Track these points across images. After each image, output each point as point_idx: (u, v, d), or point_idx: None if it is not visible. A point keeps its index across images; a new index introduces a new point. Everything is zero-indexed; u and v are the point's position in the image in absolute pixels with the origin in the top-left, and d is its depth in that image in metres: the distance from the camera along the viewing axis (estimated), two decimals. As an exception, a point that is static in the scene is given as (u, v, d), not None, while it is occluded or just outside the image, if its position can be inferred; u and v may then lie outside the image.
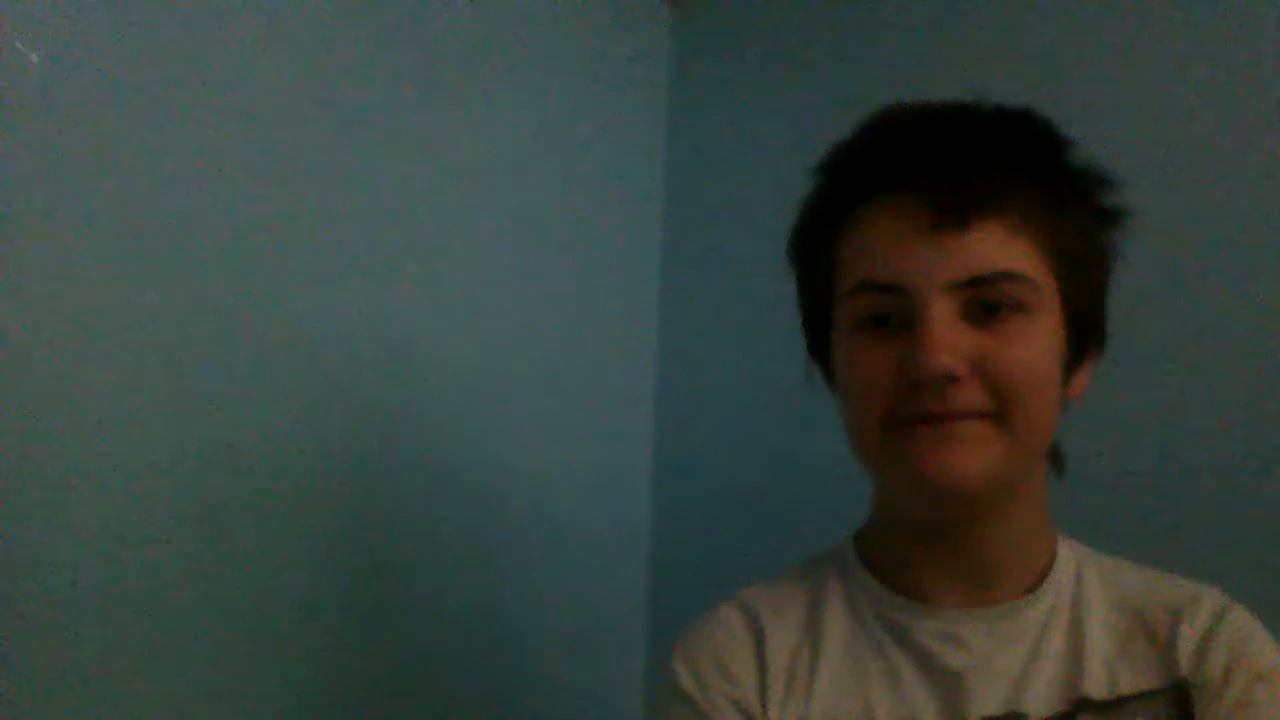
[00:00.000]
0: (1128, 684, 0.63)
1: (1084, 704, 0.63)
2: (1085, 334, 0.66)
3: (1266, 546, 0.95)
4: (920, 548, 0.68)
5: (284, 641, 1.06)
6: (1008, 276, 0.61)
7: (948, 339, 0.60)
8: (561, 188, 1.41)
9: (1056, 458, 0.70)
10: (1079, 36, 1.14)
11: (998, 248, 0.61)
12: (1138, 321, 0.97)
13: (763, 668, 0.68)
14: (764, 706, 0.67)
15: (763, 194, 1.40)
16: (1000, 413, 0.61)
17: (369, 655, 1.14)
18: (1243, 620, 0.65)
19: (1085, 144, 0.67)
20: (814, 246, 0.69)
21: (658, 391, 1.53)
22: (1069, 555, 0.69)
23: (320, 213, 1.13)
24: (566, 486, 1.37)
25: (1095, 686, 0.63)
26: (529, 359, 1.34)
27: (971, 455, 0.61)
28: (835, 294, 0.67)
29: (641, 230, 1.54)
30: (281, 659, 1.06)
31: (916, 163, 0.62)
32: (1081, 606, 0.66)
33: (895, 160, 0.63)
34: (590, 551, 1.40)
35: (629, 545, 1.47)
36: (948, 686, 0.65)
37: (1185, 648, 0.64)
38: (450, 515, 1.23)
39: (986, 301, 0.61)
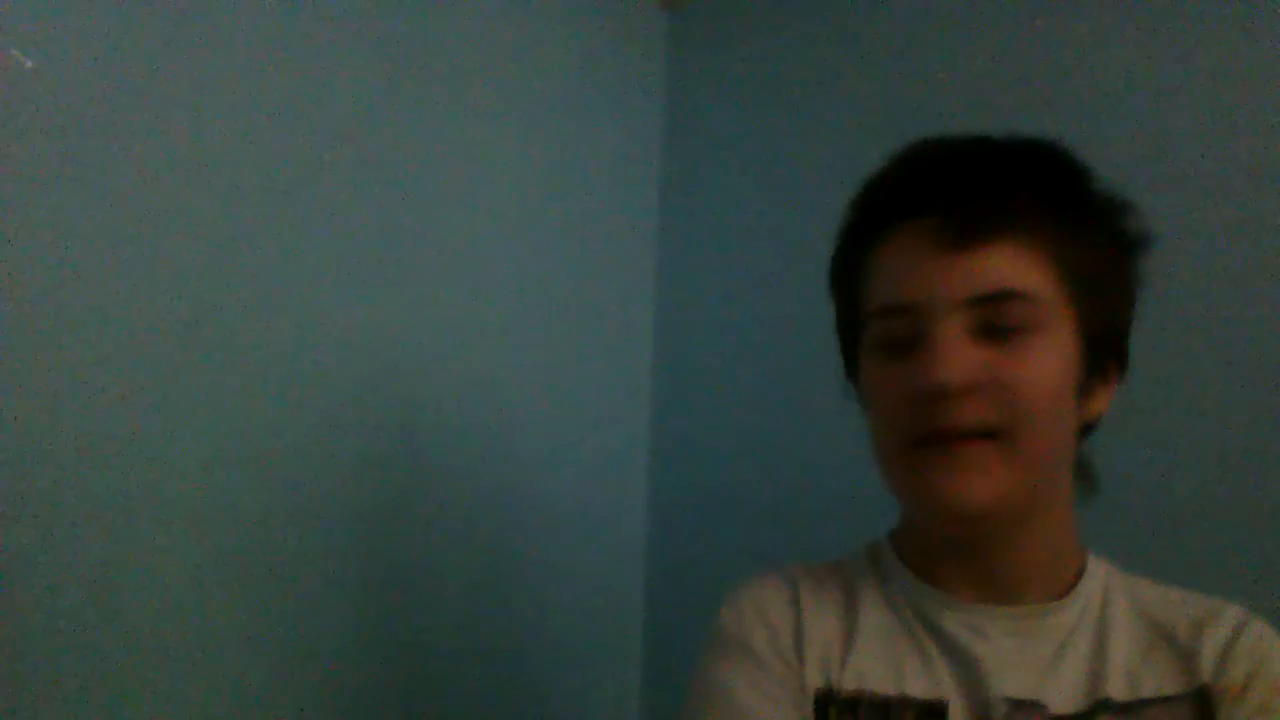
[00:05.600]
0: (1150, 688, 0.65)
1: (1104, 704, 0.64)
2: (1103, 357, 0.67)
3: (1267, 548, 0.95)
4: (947, 558, 0.70)
5: (290, 643, 1.07)
6: (1015, 294, 0.62)
7: (953, 353, 0.61)
8: (559, 193, 1.41)
9: (1087, 477, 0.71)
10: (1077, 52, 1.14)
11: (1006, 266, 0.62)
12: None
13: (799, 631, 0.70)
14: (801, 661, 0.69)
15: (759, 195, 1.41)
16: (1007, 431, 0.62)
17: (368, 659, 1.13)
18: (1264, 632, 0.66)
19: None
20: (843, 275, 0.72)
21: (654, 397, 1.53)
22: (1097, 571, 0.70)
23: (320, 220, 1.13)
24: (564, 494, 1.37)
25: (1117, 689, 0.65)
26: (527, 367, 1.34)
27: (980, 481, 0.62)
28: (860, 320, 0.69)
29: (638, 234, 1.54)
30: (286, 660, 1.06)
31: (932, 189, 0.65)
32: (1107, 619, 0.68)
33: (913, 187, 0.66)
34: (587, 559, 1.40)
35: (626, 552, 1.47)
36: (970, 669, 0.66)
37: (1208, 656, 0.65)
38: (449, 522, 1.23)
39: (996, 320, 0.62)
